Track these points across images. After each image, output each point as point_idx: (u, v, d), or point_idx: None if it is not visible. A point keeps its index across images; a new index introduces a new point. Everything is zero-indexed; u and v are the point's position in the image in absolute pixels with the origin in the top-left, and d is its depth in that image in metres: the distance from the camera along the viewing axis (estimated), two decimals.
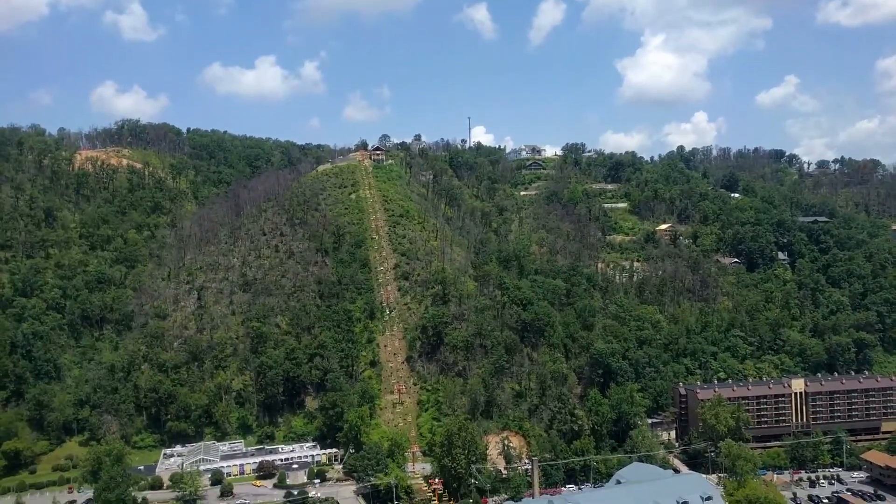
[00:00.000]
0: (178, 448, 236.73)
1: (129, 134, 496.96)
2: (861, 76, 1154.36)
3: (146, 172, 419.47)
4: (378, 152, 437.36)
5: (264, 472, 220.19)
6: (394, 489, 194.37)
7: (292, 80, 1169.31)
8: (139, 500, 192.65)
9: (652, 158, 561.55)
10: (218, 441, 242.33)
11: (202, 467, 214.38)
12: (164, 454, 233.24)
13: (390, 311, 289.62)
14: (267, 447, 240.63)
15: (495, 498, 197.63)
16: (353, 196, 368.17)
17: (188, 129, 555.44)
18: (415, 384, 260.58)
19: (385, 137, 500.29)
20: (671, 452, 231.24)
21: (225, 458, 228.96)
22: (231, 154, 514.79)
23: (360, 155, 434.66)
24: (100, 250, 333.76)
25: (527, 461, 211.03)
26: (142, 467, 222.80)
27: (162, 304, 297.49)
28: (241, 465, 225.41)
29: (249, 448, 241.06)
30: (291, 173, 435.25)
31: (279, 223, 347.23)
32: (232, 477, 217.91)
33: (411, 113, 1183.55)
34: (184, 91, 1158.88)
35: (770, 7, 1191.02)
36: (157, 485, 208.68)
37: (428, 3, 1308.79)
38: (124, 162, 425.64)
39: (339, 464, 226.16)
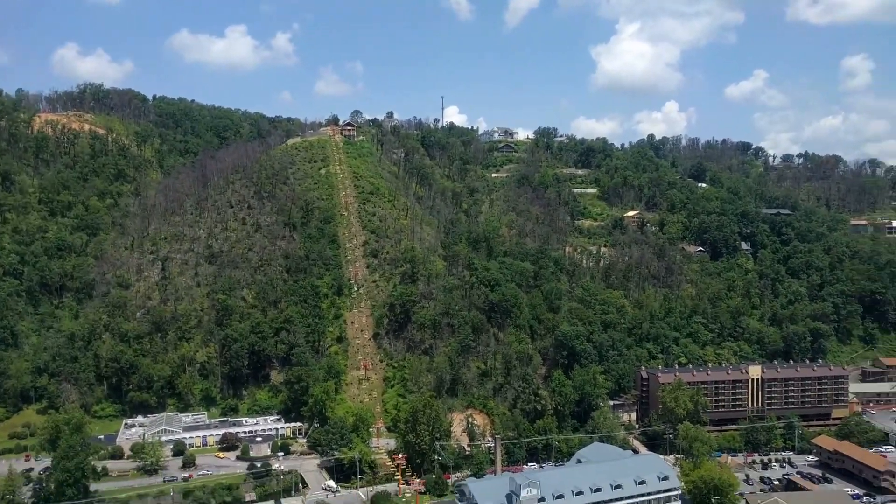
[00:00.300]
0: (140, 418, 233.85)
1: (92, 98, 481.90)
2: (827, 74, 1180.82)
3: (109, 139, 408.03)
4: (349, 128, 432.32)
5: (227, 444, 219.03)
6: (357, 463, 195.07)
7: (263, 51, 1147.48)
8: (99, 469, 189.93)
9: (622, 146, 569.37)
10: (181, 412, 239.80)
11: (164, 438, 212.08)
12: (126, 424, 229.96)
13: (358, 288, 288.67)
14: (230, 419, 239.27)
15: (458, 474, 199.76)
16: (322, 171, 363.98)
17: (154, 97, 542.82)
18: (381, 361, 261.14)
19: (357, 113, 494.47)
20: (631, 433, 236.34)
21: (187, 429, 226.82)
22: (199, 123, 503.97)
23: (330, 130, 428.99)
24: (60, 217, 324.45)
25: (490, 439, 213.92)
26: (102, 437, 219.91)
27: (124, 274, 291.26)
28: (204, 437, 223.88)
29: (213, 420, 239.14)
30: (260, 146, 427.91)
31: (247, 196, 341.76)
32: (194, 448, 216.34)
33: (384, 90, 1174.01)
34: (150, 57, 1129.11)
35: (743, 1, 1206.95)
36: (117, 454, 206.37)
37: None
38: (86, 127, 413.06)
39: (304, 437, 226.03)
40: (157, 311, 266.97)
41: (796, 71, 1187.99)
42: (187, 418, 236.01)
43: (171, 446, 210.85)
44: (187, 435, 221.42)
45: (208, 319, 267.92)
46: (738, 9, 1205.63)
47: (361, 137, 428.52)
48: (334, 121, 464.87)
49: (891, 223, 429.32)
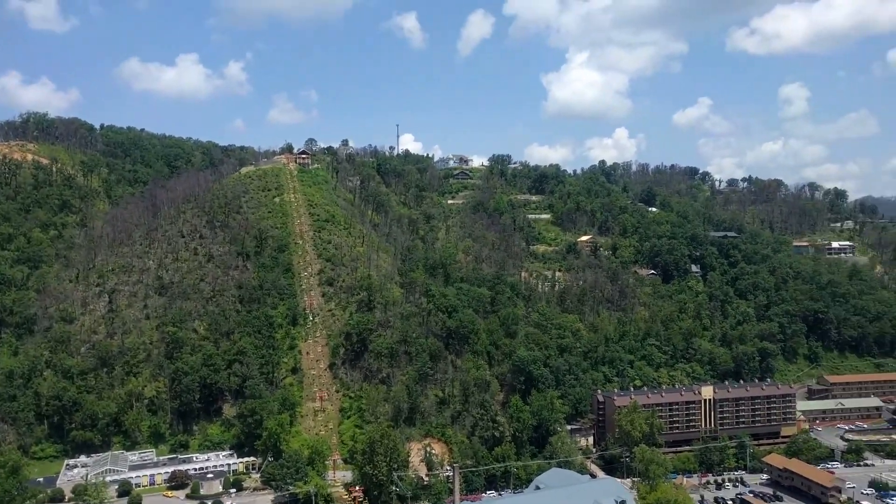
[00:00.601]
0: (83, 458, 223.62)
1: (36, 128, 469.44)
2: (767, 101, 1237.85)
3: (54, 169, 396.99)
4: (304, 156, 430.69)
5: (177, 482, 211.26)
6: (313, 498, 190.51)
7: (215, 80, 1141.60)
8: None
9: (575, 172, 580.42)
10: (127, 451, 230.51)
11: (108, 478, 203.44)
12: (67, 465, 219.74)
13: (314, 318, 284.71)
14: (180, 456, 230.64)
15: None
16: (277, 200, 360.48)
17: (102, 126, 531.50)
18: (337, 391, 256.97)
19: (311, 141, 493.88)
20: (588, 458, 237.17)
21: (134, 468, 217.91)
22: (148, 153, 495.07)
23: (285, 158, 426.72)
24: None
25: (448, 468, 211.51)
26: (41, 479, 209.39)
27: (68, 307, 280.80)
28: (152, 476, 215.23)
29: (161, 457, 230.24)
30: (213, 174, 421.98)
31: (199, 225, 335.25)
32: (141, 488, 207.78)
33: (339, 118, 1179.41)
34: (98, 85, 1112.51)
35: (686, 32, 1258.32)
36: (57, 497, 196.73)
37: (357, 10, 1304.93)
38: (29, 157, 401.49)
39: (257, 472, 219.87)
40: (102, 346, 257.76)
41: (738, 98, 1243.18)
42: (134, 457, 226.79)
43: (116, 487, 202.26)
44: (133, 474, 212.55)
45: (158, 353, 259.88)
46: (681, 39, 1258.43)
47: (316, 165, 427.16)
48: (288, 149, 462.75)
49: (830, 244, 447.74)
